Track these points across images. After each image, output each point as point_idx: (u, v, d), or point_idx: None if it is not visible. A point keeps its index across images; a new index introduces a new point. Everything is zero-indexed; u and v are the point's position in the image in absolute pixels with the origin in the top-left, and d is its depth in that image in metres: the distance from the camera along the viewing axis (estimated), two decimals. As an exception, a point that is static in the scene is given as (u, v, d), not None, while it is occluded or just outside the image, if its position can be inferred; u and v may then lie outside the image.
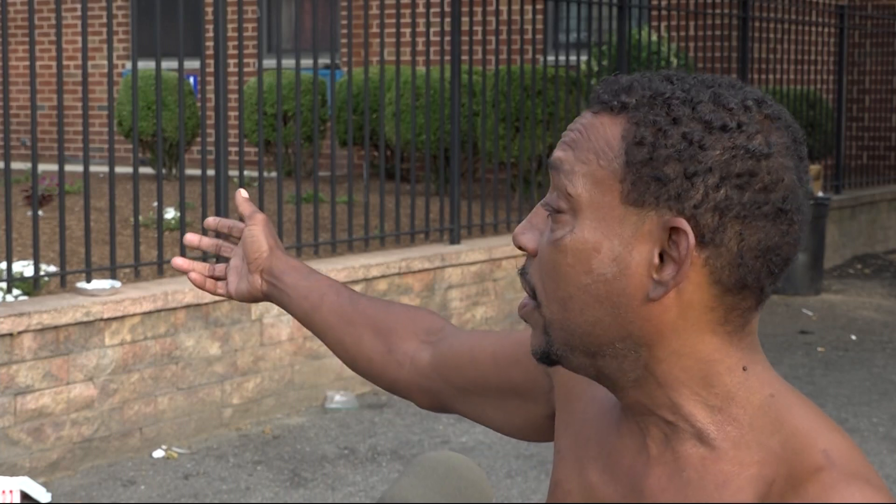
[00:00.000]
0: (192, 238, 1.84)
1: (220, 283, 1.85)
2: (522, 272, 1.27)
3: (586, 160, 1.23)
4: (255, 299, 1.83)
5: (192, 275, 1.83)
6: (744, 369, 1.27)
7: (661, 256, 1.21)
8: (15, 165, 11.53)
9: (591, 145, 1.23)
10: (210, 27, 12.30)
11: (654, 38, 9.17)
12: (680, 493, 1.26)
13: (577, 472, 1.37)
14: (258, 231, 1.81)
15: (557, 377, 1.49)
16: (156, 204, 6.81)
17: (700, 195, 1.20)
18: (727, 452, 1.24)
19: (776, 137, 1.22)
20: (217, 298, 5.38)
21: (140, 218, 6.24)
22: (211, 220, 1.85)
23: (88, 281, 5.22)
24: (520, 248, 1.28)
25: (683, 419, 1.26)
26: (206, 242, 1.85)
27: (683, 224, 1.20)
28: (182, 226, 5.70)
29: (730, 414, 1.25)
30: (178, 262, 1.82)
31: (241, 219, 1.86)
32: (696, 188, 1.20)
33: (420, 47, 10.99)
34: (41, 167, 11.29)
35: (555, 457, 1.42)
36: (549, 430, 1.56)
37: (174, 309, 5.23)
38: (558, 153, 1.25)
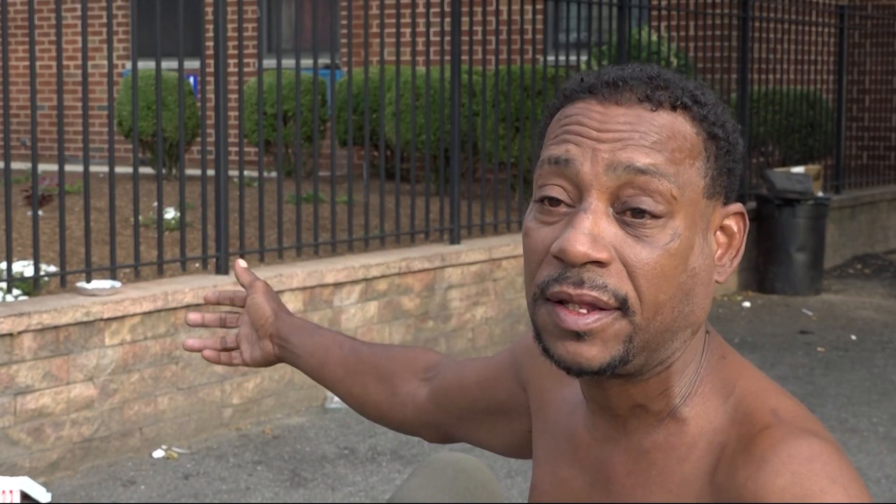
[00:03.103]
0: (195, 317, 1.91)
1: (234, 354, 1.92)
2: (592, 285, 1.21)
3: (677, 160, 1.23)
4: (269, 363, 1.90)
5: (206, 352, 1.90)
6: (707, 332, 1.33)
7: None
8: (15, 165, 11.53)
9: (676, 145, 1.23)
10: (210, 27, 12.30)
11: (654, 38, 9.17)
12: (644, 473, 1.30)
13: (551, 471, 1.41)
14: (260, 298, 1.88)
15: (531, 388, 1.52)
16: (156, 204, 6.81)
17: (737, 180, 1.30)
18: (690, 425, 1.28)
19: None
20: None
21: (140, 218, 6.24)
22: (210, 294, 1.93)
23: (88, 281, 5.22)
24: (589, 262, 1.21)
25: (666, 404, 1.30)
26: (210, 318, 1.92)
27: (742, 208, 1.29)
28: (182, 226, 5.70)
29: (697, 386, 1.30)
30: (191, 342, 1.90)
31: (244, 285, 1.93)
32: (739, 173, 1.29)
33: (420, 47, 10.99)
34: (41, 167, 11.28)
35: (533, 464, 1.46)
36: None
37: (174, 309, 5.23)
38: (645, 158, 1.21)
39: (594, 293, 1.21)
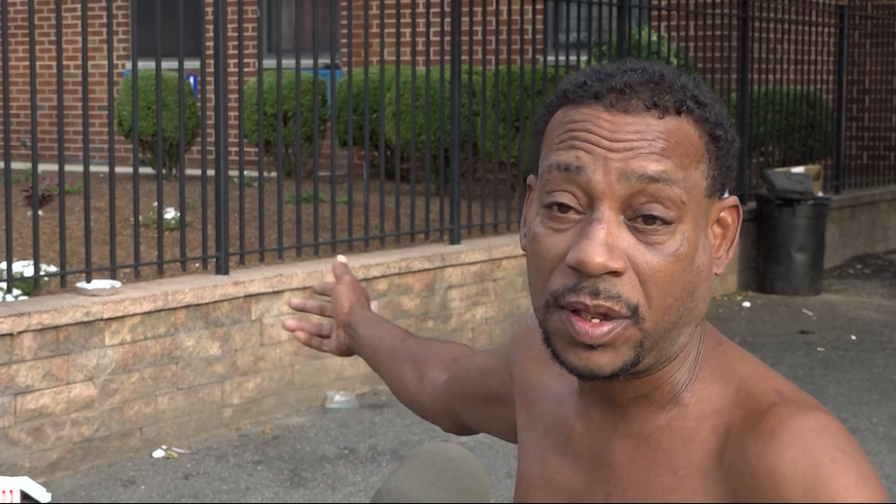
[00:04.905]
0: (297, 302, 2.06)
1: (325, 341, 2.05)
2: (608, 295, 1.24)
3: (685, 166, 1.26)
4: (342, 352, 2.03)
5: (298, 333, 2.04)
6: (702, 320, 1.37)
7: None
8: (15, 165, 11.52)
9: (683, 150, 1.27)
10: (210, 27, 12.30)
11: (654, 38, 9.17)
12: (647, 457, 1.32)
13: (539, 461, 1.44)
14: (342, 290, 2.02)
15: (516, 377, 1.56)
16: (156, 204, 6.81)
17: (733, 174, 1.34)
18: (692, 408, 1.31)
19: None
20: (217, 298, 5.38)
21: (140, 218, 6.23)
22: (317, 285, 2.09)
23: (88, 281, 5.22)
24: (606, 273, 1.24)
25: (668, 392, 1.33)
26: (311, 304, 2.06)
27: (737, 200, 1.34)
28: (182, 226, 5.70)
29: (697, 372, 1.33)
30: (289, 323, 2.03)
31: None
32: (735, 168, 1.34)
33: (420, 47, 10.99)
34: (41, 167, 11.28)
35: (519, 453, 1.49)
36: None
37: (174, 309, 5.22)
38: (656, 165, 1.24)
39: (609, 303, 1.24)
